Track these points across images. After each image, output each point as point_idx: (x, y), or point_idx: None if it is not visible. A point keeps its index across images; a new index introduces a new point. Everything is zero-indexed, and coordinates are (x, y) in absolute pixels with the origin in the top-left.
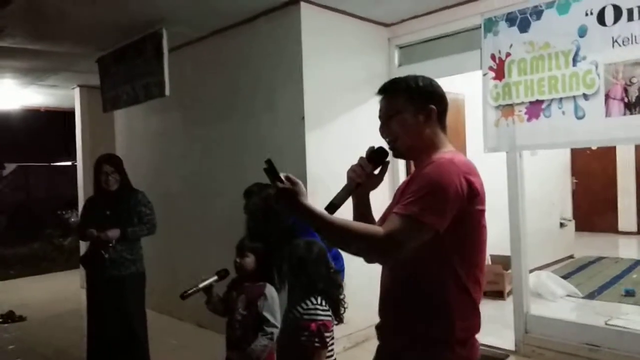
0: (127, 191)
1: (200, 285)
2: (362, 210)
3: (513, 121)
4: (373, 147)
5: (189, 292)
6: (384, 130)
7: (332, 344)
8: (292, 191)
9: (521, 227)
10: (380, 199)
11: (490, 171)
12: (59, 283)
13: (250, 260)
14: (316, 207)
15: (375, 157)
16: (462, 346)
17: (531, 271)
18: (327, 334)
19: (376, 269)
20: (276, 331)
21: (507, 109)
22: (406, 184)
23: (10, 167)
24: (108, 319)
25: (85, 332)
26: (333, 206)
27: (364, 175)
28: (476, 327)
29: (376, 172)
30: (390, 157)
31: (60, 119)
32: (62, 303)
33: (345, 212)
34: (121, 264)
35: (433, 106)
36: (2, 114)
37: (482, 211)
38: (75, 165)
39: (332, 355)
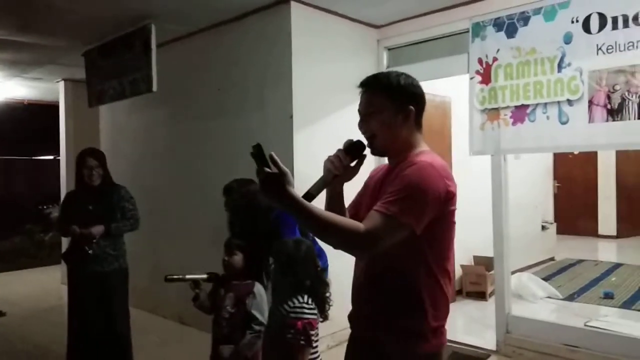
0: (109, 186)
1: (187, 277)
2: (336, 200)
3: (498, 125)
4: (351, 140)
5: (174, 277)
6: (362, 126)
7: (317, 342)
8: (280, 178)
9: (504, 229)
10: (352, 188)
11: (475, 174)
12: (39, 278)
13: (238, 258)
14: (301, 197)
15: (353, 150)
16: (434, 335)
17: (513, 272)
18: (312, 332)
19: None
20: (263, 329)
21: (492, 113)
22: (383, 179)
23: None
24: (90, 315)
25: (66, 329)
26: (310, 195)
27: (341, 167)
28: (446, 316)
29: (353, 164)
30: (367, 151)
31: (44, 112)
32: (42, 299)
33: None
34: (104, 260)
35: (412, 107)
36: None
37: (454, 210)
38: (58, 160)
39: (316, 353)
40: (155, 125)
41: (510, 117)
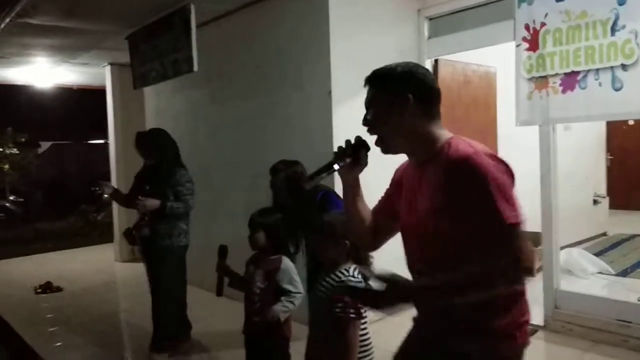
0: (169, 167)
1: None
2: (349, 192)
3: (547, 93)
4: (359, 137)
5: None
6: (364, 123)
7: (366, 315)
8: (388, 293)
9: (552, 203)
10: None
11: (522, 146)
12: (93, 256)
13: (260, 235)
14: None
15: (352, 147)
16: (520, 332)
17: (562, 248)
18: (360, 305)
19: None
20: (300, 297)
21: (540, 81)
22: (420, 178)
23: (45, 145)
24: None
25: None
26: (310, 179)
27: (342, 161)
28: (525, 311)
29: (353, 160)
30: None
31: (92, 97)
32: (96, 275)
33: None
34: (157, 238)
35: (410, 95)
36: (36, 93)
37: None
38: (107, 143)
39: (365, 328)
40: (197, 105)
41: (560, 85)
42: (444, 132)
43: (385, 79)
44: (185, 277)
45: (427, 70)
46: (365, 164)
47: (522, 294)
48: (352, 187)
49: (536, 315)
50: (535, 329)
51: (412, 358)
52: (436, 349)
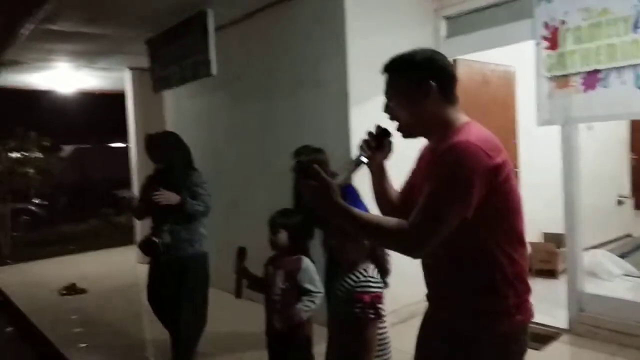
0: (181, 169)
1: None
2: (377, 180)
3: (568, 92)
4: (379, 125)
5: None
6: (384, 111)
7: (385, 316)
8: (327, 189)
9: (576, 204)
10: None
11: (543, 146)
12: (115, 258)
13: (282, 236)
14: (347, 205)
15: (377, 136)
16: (518, 311)
17: (586, 250)
18: (380, 306)
19: None
20: (320, 296)
21: (561, 80)
22: (429, 160)
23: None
24: (167, 302)
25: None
26: (343, 181)
27: (368, 151)
28: (527, 289)
29: (378, 149)
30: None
31: (113, 101)
32: (119, 277)
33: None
34: (179, 247)
35: (432, 82)
36: (59, 98)
37: (508, 178)
38: (128, 146)
39: (384, 328)
40: (216, 108)
41: (581, 84)
42: (460, 117)
43: (407, 66)
44: (208, 288)
45: (444, 56)
46: (390, 151)
47: (519, 275)
48: (380, 175)
49: (560, 319)
50: (559, 332)
51: (421, 340)
52: (439, 330)
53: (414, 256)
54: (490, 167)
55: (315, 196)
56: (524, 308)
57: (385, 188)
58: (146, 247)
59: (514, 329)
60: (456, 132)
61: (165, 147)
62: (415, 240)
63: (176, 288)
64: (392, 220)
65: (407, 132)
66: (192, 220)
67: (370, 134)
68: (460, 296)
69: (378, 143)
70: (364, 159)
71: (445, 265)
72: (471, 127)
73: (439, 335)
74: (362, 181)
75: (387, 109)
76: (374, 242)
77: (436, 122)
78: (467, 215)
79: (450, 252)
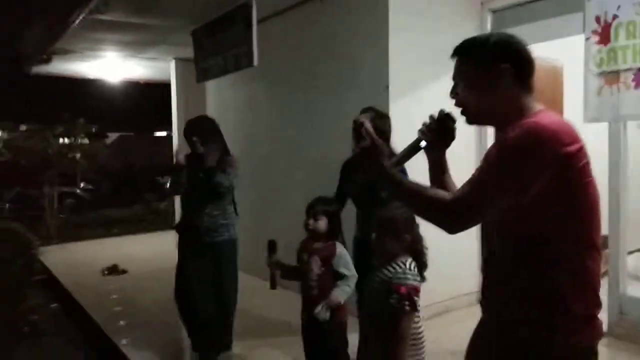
0: (215, 155)
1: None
2: (436, 170)
3: (618, 89)
4: (443, 110)
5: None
6: (452, 96)
7: (419, 308)
8: (375, 150)
9: (621, 205)
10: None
11: (590, 144)
12: (156, 242)
13: (323, 222)
14: (394, 170)
15: (439, 121)
16: (585, 325)
17: (631, 253)
18: (416, 298)
19: (459, 239)
20: (354, 280)
21: (611, 76)
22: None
23: (112, 136)
24: (199, 286)
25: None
26: (397, 162)
27: (429, 136)
28: (597, 302)
29: (440, 134)
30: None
31: (158, 90)
32: (159, 260)
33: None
34: (215, 230)
35: (507, 65)
36: (106, 86)
37: (583, 167)
38: (171, 135)
39: (419, 322)
40: (257, 99)
41: (632, 80)
42: (535, 105)
43: (480, 48)
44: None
45: (522, 40)
46: (453, 138)
47: (589, 285)
48: (440, 164)
49: None
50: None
51: (473, 348)
52: (492, 338)
53: (451, 231)
54: (561, 154)
55: (364, 156)
56: (592, 325)
57: (443, 181)
58: (186, 230)
59: (586, 343)
60: (527, 118)
61: (199, 131)
62: (454, 213)
63: (213, 271)
64: (437, 191)
65: (474, 117)
66: (217, 194)
67: (431, 117)
68: (518, 300)
69: (440, 128)
70: (423, 143)
71: (507, 263)
72: (546, 112)
73: (493, 344)
74: (417, 172)
75: (454, 93)
76: (411, 208)
77: (508, 108)
78: (520, 200)
79: (514, 246)
